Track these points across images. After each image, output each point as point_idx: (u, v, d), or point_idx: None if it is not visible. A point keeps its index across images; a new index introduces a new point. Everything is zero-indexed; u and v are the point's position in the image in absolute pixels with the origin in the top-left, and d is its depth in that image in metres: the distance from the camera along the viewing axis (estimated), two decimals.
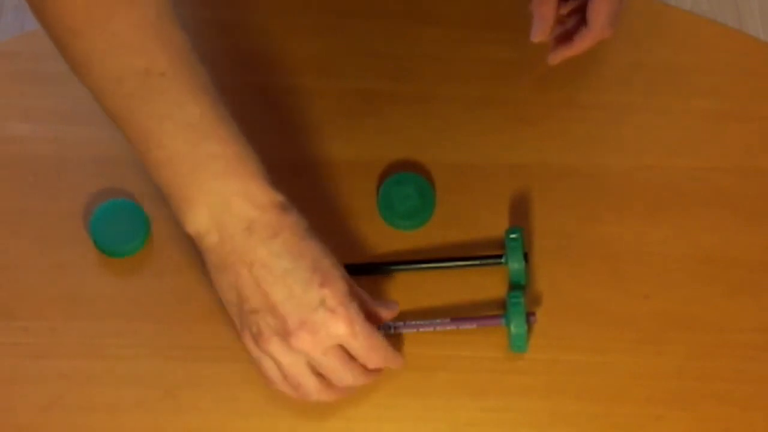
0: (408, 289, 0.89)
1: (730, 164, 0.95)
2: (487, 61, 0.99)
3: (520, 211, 0.92)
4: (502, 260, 0.88)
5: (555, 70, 0.97)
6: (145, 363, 0.86)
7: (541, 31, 0.92)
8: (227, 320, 0.87)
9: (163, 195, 0.79)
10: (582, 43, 0.92)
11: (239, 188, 0.78)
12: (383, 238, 0.91)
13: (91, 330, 0.87)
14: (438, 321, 0.85)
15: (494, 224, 0.91)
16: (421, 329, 0.85)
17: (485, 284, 0.89)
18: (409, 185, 0.91)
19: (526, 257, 0.87)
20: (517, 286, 0.87)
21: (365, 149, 0.93)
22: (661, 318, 0.88)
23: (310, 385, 0.80)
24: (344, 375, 0.80)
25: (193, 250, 0.90)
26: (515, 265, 0.87)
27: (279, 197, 0.79)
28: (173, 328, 0.87)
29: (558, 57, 0.94)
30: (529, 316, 0.85)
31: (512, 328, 0.84)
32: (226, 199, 0.77)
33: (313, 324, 0.77)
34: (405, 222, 0.91)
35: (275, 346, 0.79)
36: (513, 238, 0.87)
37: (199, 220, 0.78)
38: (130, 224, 0.89)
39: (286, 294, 0.77)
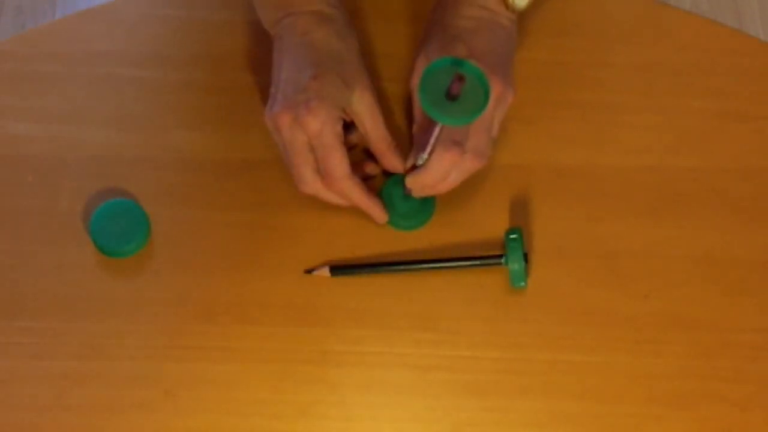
0: (408, 289, 0.89)
1: (730, 164, 0.95)
2: None
3: (520, 212, 0.92)
4: (502, 261, 0.88)
5: (554, 70, 0.97)
6: (144, 363, 0.86)
7: (414, 160, 0.89)
8: (226, 320, 0.87)
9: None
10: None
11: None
12: (383, 238, 0.91)
13: (91, 330, 0.87)
14: None
15: (494, 224, 0.91)
16: None
17: (485, 284, 0.89)
18: None
19: (525, 258, 0.87)
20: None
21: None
22: (661, 318, 0.88)
23: (300, 167, 0.87)
24: (302, 171, 0.87)
25: (193, 250, 0.90)
26: (515, 265, 0.87)
27: (326, 9, 0.90)
28: (173, 328, 0.87)
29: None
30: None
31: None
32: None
33: (296, 109, 0.85)
34: (405, 222, 0.91)
35: (269, 121, 0.88)
36: (513, 239, 0.87)
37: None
38: (130, 224, 0.89)
39: (288, 74, 0.88)
